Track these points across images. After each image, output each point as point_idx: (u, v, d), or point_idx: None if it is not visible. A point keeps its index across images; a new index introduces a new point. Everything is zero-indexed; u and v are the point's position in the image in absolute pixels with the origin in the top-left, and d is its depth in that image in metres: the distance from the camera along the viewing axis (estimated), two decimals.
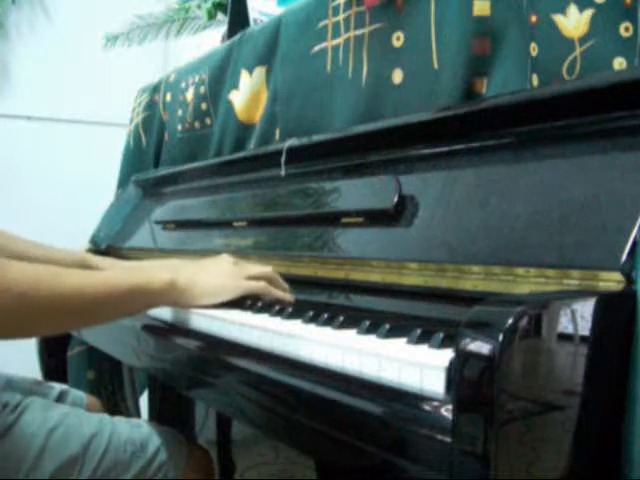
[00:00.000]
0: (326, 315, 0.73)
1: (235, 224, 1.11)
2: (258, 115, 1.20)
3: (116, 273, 0.82)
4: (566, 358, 0.48)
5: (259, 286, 0.84)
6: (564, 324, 0.48)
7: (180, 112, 1.43)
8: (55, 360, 1.47)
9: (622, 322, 0.51)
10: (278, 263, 0.94)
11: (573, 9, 0.71)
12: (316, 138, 1.00)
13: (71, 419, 0.82)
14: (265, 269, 0.87)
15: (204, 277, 0.84)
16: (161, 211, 1.41)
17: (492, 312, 0.46)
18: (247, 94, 1.22)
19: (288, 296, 0.85)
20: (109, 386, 1.54)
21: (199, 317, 0.84)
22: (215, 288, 0.83)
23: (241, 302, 0.86)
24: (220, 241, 1.12)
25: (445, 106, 0.82)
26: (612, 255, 0.55)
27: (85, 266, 1.10)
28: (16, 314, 0.65)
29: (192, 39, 1.91)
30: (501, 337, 0.43)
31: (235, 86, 1.25)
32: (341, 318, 0.70)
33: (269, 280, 0.86)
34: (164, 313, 0.92)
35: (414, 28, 0.89)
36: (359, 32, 0.97)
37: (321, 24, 1.04)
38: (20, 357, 1.44)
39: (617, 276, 0.54)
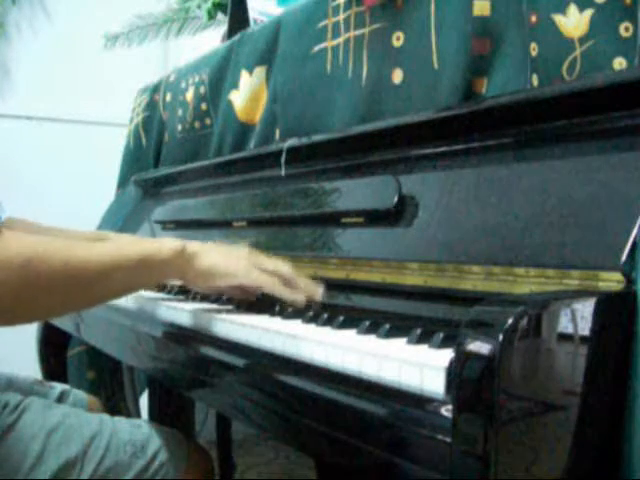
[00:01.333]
0: (326, 315, 0.73)
1: (235, 224, 1.11)
2: (258, 115, 1.20)
3: (125, 243, 0.77)
4: (566, 358, 0.48)
5: (269, 282, 0.78)
6: (564, 324, 0.48)
7: (180, 112, 1.43)
8: (55, 360, 1.47)
9: (622, 322, 0.51)
10: None
11: (573, 9, 0.71)
12: (316, 138, 1.00)
13: (71, 420, 0.82)
14: (282, 266, 0.81)
15: (215, 254, 0.79)
16: (161, 211, 1.41)
17: (492, 312, 0.46)
18: (247, 94, 1.22)
19: (299, 300, 0.78)
20: (109, 386, 1.54)
21: (199, 315, 0.84)
22: (228, 266, 0.78)
23: (242, 302, 0.86)
24: (220, 241, 1.12)
25: (445, 106, 0.82)
26: (612, 255, 0.55)
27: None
28: (18, 286, 0.60)
29: (192, 39, 1.91)
30: (501, 337, 0.43)
31: (235, 86, 1.25)
32: (341, 318, 0.70)
33: (283, 279, 0.79)
34: (162, 312, 0.92)
35: (414, 28, 0.89)
36: (359, 32, 0.97)
37: (321, 24, 1.04)
38: (20, 357, 1.45)
39: (617, 276, 0.54)
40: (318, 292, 0.80)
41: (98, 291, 0.71)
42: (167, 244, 0.75)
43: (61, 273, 0.64)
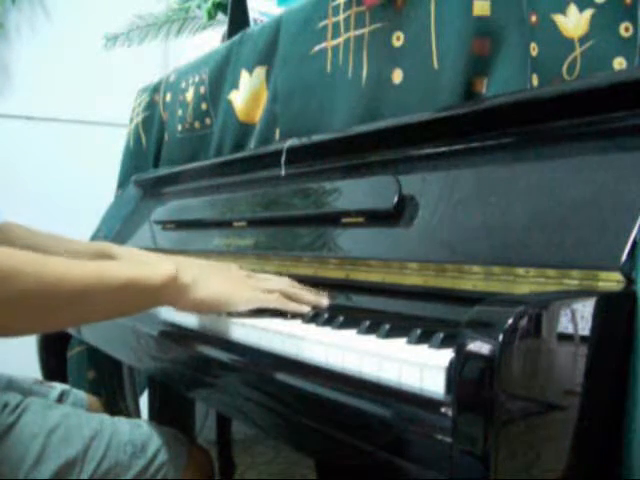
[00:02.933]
0: (326, 315, 0.73)
1: (235, 224, 1.11)
2: (258, 115, 1.20)
3: (112, 264, 0.71)
4: (566, 358, 0.48)
5: (274, 299, 0.77)
6: (564, 324, 0.48)
7: (180, 112, 1.43)
8: (55, 360, 1.47)
9: (622, 322, 0.51)
10: (278, 263, 0.94)
11: (573, 9, 0.71)
12: (316, 138, 1.00)
13: (71, 420, 0.82)
14: (282, 282, 0.80)
15: (215, 281, 0.76)
16: (161, 211, 1.41)
17: (492, 312, 0.46)
18: (247, 94, 1.22)
19: (305, 309, 0.78)
20: (109, 386, 1.54)
21: (198, 315, 0.83)
22: (225, 295, 0.75)
23: None
24: (220, 241, 1.12)
25: (445, 106, 0.82)
26: (612, 255, 0.55)
27: (105, 257, 1.02)
28: None
29: (192, 39, 1.91)
30: (501, 337, 0.43)
31: (235, 86, 1.25)
32: (341, 318, 0.70)
33: (286, 294, 0.79)
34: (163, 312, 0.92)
35: (414, 28, 0.89)
36: (359, 32, 0.97)
37: (321, 24, 1.04)
38: (20, 357, 1.44)
39: (617, 276, 0.54)
40: (323, 301, 0.79)
41: (77, 312, 0.65)
42: (158, 271, 0.70)
43: (34, 290, 0.59)
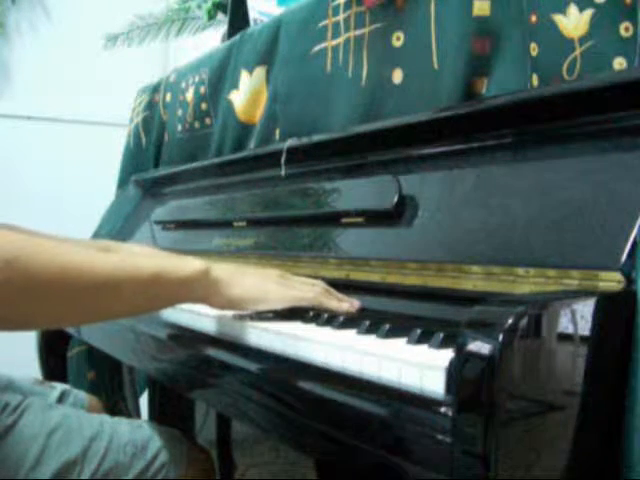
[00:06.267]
0: (326, 315, 0.73)
1: (235, 224, 1.11)
2: (258, 115, 1.20)
3: (139, 256, 0.69)
4: (566, 358, 0.48)
5: (311, 297, 0.74)
6: (564, 324, 0.48)
7: (180, 112, 1.43)
8: (55, 360, 1.47)
9: (622, 322, 0.51)
10: (278, 263, 0.94)
11: (573, 9, 0.71)
12: (316, 138, 1.00)
13: (71, 420, 0.82)
14: (316, 282, 0.77)
15: (248, 277, 0.73)
16: (161, 211, 1.41)
17: (492, 312, 0.46)
18: (247, 94, 1.22)
19: (344, 306, 0.75)
20: (109, 386, 1.54)
21: (198, 315, 0.83)
22: (260, 291, 0.72)
23: None
24: (220, 241, 1.12)
25: (445, 106, 0.82)
26: (612, 255, 0.55)
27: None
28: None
29: (192, 39, 1.91)
30: (501, 337, 0.43)
31: (235, 86, 1.25)
32: (341, 318, 0.70)
33: (321, 292, 0.76)
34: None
35: (414, 28, 0.89)
36: (359, 32, 0.97)
37: (321, 24, 1.04)
38: (20, 357, 1.45)
39: (617, 276, 0.54)
40: (355, 304, 0.77)
41: (102, 305, 0.63)
42: (189, 263, 0.68)
43: (56, 279, 0.57)
